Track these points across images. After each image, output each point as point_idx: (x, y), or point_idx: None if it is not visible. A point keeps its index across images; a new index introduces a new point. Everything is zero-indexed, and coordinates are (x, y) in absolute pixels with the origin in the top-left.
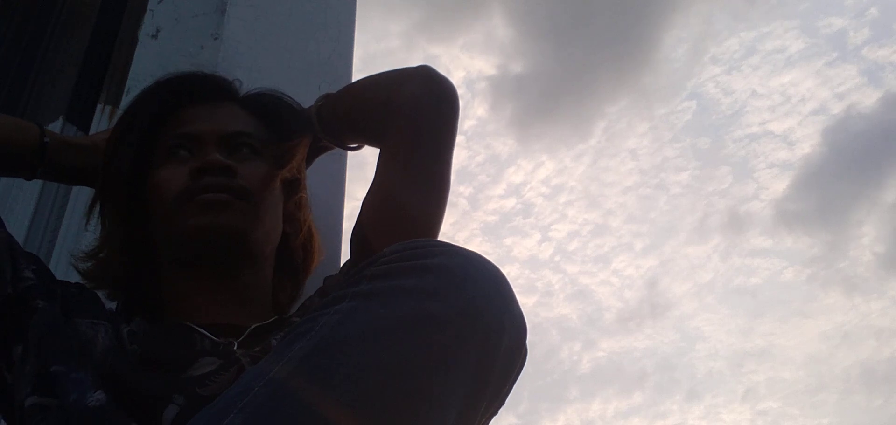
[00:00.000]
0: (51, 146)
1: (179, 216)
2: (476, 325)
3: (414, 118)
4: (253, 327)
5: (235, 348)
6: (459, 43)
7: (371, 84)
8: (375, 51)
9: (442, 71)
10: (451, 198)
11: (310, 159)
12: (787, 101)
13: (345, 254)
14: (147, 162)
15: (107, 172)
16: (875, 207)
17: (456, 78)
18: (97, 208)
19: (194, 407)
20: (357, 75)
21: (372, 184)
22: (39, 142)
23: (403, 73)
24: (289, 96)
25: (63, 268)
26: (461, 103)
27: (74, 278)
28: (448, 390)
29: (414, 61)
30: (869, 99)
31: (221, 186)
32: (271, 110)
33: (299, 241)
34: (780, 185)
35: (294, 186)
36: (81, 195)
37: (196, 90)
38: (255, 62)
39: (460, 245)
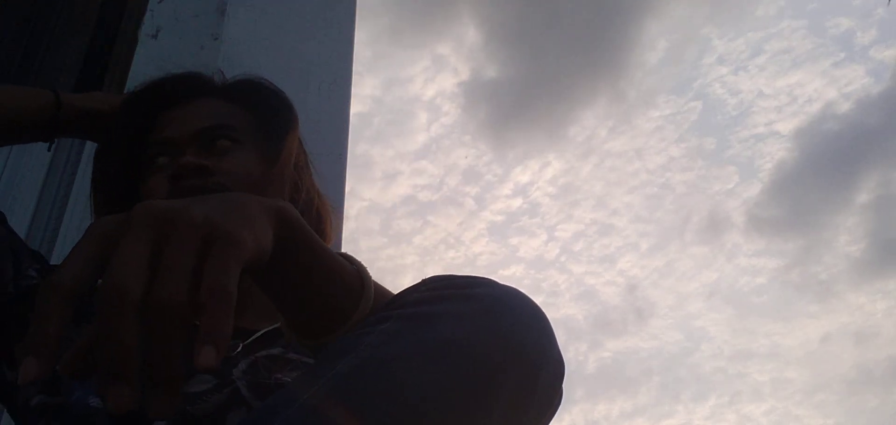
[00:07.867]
0: (63, 117)
1: None
2: (519, 355)
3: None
4: (263, 332)
5: (239, 349)
6: (430, 49)
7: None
8: None
9: (409, 80)
10: (456, 197)
11: None
12: (793, 101)
13: None
14: (135, 177)
15: (96, 199)
16: (849, 209)
17: (432, 85)
18: None
19: None
20: (356, 76)
21: None
22: (55, 110)
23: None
24: (269, 81)
25: None
26: (449, 107)
27: None
28: (487, 417)
29: (382, 68)
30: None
31: (196, 189)
32: (252, 95)
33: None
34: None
35: (292, 166)
36: (81, 195)
37: (169, 93)
38: (255, 62)
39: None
